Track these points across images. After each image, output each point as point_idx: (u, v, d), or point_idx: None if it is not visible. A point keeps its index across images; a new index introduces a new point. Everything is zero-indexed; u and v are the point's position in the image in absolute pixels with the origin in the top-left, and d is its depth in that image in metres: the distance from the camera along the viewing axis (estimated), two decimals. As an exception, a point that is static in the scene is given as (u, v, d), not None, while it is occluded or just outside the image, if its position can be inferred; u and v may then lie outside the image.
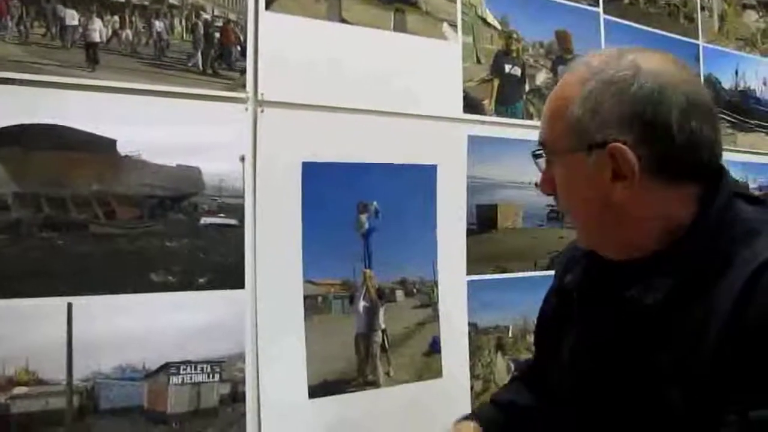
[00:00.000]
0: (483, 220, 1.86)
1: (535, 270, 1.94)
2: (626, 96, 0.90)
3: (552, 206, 1.95)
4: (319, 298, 1.58)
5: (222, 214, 1.46)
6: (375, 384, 1.65)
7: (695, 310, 0.88)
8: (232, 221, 1.47)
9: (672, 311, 0.90)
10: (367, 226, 1.64)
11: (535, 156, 1.04)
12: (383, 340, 1.66)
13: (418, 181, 1.73)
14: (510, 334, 1.90)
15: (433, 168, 1.76)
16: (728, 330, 0.84)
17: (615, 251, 1.00)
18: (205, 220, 1.44)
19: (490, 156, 1.85)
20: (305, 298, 1.55)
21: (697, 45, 2.52)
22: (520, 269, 1.92)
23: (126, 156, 1.37)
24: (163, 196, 1.41)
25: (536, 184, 1.06)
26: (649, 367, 0.93)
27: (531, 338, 1.55)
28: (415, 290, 1.72)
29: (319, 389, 1.56)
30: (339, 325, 1.62)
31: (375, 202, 1.65)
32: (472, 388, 1.81)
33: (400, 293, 1.68)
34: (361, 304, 1.64)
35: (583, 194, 0.97)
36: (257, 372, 1.49)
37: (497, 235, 1.89)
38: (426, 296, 1.74)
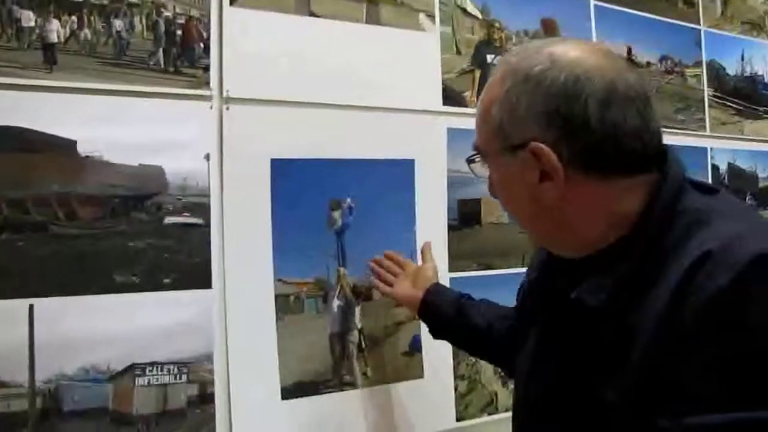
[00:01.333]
0: (465, 215, 1.81)
1: (521, 266, 1.88)
2: (540, 91, 0.86)
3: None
4: (291, 298, 1.55)
5: (187, 214, 1.44)
6: (352, 385, 1.61)
7: (636, 309, 0.83)
8: (198, 220, 1.45)
9: (616, 312, 0.86)
10: (340, 223, 1.61)
11: (469, 161, 1.02)
12: (360, 339, 1.63)
13: (395, 176, 1.70)
14: (496, 332, 1.84)
15: (410, 162, 1.72)
16: (663, 329, 0.80)
17: (567, 250, 0.96)
18: (169, 220, 1.43)
19: (470, 149, 1.80)
20: (276, 297, 1.53)
21: (699, 30, 2.44)
22: (505, 266, 1.87)
23: (87, 156, 1.35)
24: (125, 196, 1.39)
25: (489, 191, 1.03)
26: (590, 369, 0.89)
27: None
28: (393, 288, 1.67)
29: (292, 390, 1.53)
30: (312, 325, 1.59)
31: (348, 199, 1.62)
32: (456, 389, 1.77)
33: (377, 292, 1.63)
34: (336, 303, 1.61)
35: (518, 196, 0.95)
36: (227, 373, 1.46)
37: (481, 231, 1.84)
38: (406, 294, 1.68)
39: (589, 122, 0.84)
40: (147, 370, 1.40)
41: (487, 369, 1.81)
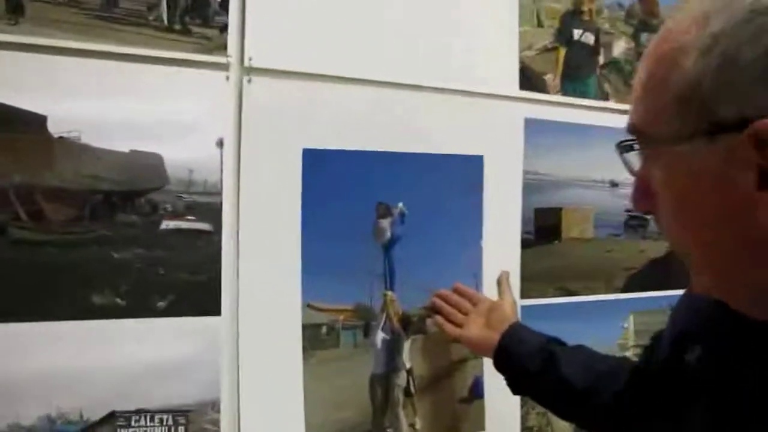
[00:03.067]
0: (543, 228, 1.46)
1: (607, 292, 1.53)
2: None
3: (631, 212, 1.55)
4: (323, 328, 1.22)
5: (191, 217, 1.11)
6: (397, 440, 1.28)
7: None
8: (205, 226, 1.12)
9: None
10: (389, 234, 1.27)
11: (623, 149, 0.67)
12: (408, 382, 1.29)
13: (459, 176, 1.35)
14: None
15: (478, 159, 1.37)
16: None
17: (759, 305, 0.61)
18: (167, 224, 1.10)
19: (552, 145, 1.45)
20: (304, 327, 1.19)
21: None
22: (588, 291, 1.51)
23: (60, 138, 1.03)
24: (110, 192, 1.07)
25: (631, 200, 0.68)
26: None
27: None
28: (451, 318, 1.32)
29: (320, 446, 1.20)
30: (349, 364, 1.25)
31: (401, 204, 1.28)
32: (523, 443, 1.42)
33: (431, 322, 1.30)
34: (380, 336, 1.27)
35: (704, 211, 0.59)
36: (238, 425, 1.14)
37: (561, 248, 1.49)
38: (466, 326, 1.34)
39: None
40: (132, 421, 1.08)
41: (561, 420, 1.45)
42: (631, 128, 0.64)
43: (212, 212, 1.13)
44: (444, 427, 1.33)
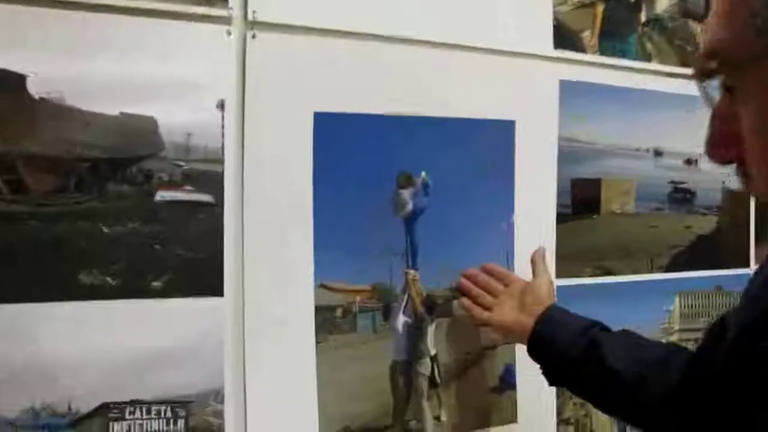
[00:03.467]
0: (580, 201, 1.33)
1: (650, 272, 1.40)
2: None
3: (677, 184, 1.41)
4: (338, 311, 1.10)
5: (189, 187, 1.00)
6: (420, 434, 1.16)
7: None
8: (206, 197, 1.01)
9: None
10: (410, 207, 1.15)
11: (701, 76, 0.55)
12: (433, 370, 1.17)
13: (488, 143, 1.23)
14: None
15: (509, 125, 1.24)
16: None
17: None
18: (163, 195, 0.99)
19: (590, 110, 1.32)
20: (317, 310, 1.08)
21: None
22: (628, 271, 1.38)
23: (41, 99, 0.92)
24: (98, 159, 0.96)
25: (708, 147, 0.56)
26: None
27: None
28: (480, 300, 1.20)
29: (335, 442, 1.09)
30: (367, 350, 1.13)
31: (423, 173, 1.16)
32: (559, 437, 1.30)
33: (457, 304, 1.18)
34: (401, 319, 1.15)
35: None
36: (244, 417, 1.03)
37: (599, 223, 1.36)
38: (497, 309, 1.21)
39: None
40: (126, 413, 0.97)
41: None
42: (711, 52, 0.52)
43: (213, 182, 1.02)
44: (472, 420, 1.21)
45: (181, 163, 1.00)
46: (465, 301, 1.16)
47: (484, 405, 1.22)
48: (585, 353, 0.95)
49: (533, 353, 1.03)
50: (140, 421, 0.98)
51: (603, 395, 0.97)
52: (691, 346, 0.96)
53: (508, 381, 1.24)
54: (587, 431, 1.33)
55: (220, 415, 1.02)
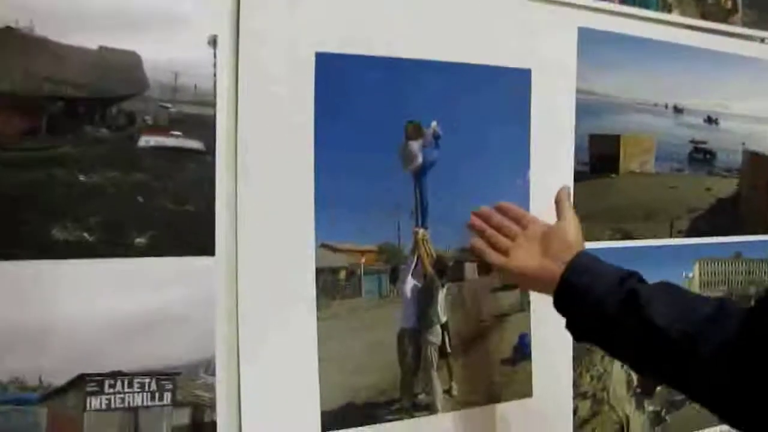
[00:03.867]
0: (599, 159, 1.23)
1: (671, 236, 1.31)
2: None
3: (697, 143, 1.32)
4: (342, 273, 1.00)
5: (177, 132, 0.89)
6: (430, 408, 1.06)
7: None
8: (195, 144, 0.90)
9: None
10: (420, 159, 1.04)
11: None
12: (444, 339, 1.07)
13: (503, 92, 1.12)
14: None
15: (524, 74, 1.14)
16: None
17: None
18: (147, 141, 0.87)
19: (609, 61, 1.22)
20: (318, 272, 0.97)
21: None
22: (649, 234, 1.29)
23: (7, 28, 0.79)
24: (74, 98, 0.84)
25: None
26: None
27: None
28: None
29: (339, 418, 0.98)
30: (373, 316, 1.02)
31: (434, 123, 1.05)
32: (575, 412, 1.20)
33: (470, 267, 1.09)
34: (410, 282, 1.05)
35: None
36: (238, 390, 0.92)
37: (618, 183, 1.26)
38: (511, 273, 1.11)
39: None
40: (106, 386, 0.86)
41: (617, 382, 1.25)
42: None
43: (204, 126, 0.90)
44: (484, 393, 1.11)
45: (168, 105, 0.88)
46: (478, 242, 1.03)
47: (497, 377, 1.12)
48: (622, 306, 0.84)
49: (560, 304, 0.91)
50: (121, 395, 0.87)
51: (641, 354, 0.86)
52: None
53: (522, 351, 1.14)
54: (604, 405, 1.24)
55: (211, 388, 0.91)
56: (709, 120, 1.36)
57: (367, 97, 1.00)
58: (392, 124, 1.03)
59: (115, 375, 0.86)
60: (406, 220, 1.04)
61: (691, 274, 1.34)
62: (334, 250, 0.98)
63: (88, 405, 0.84)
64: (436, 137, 1.05)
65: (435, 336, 1.06)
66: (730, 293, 1.37)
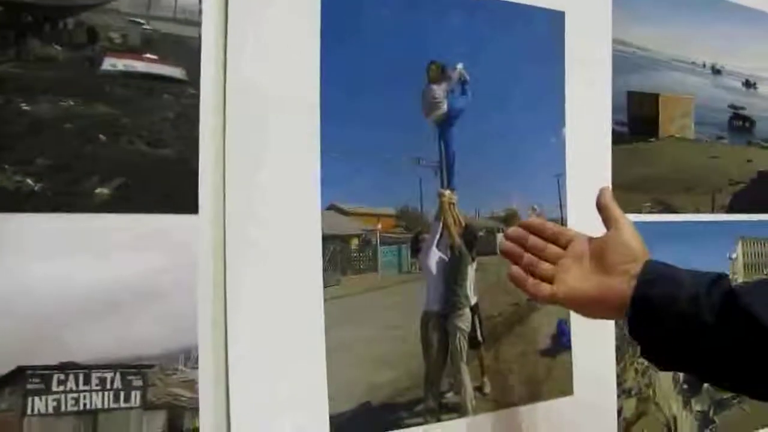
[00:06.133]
0: (638, 119, 1.08)
1: (713, 211, 1.15)
2: None
3: (737, 109, 1.18)
4: (354, 242, 0.82)
5: (152, 55, 0.71)
6: (459, 410, 0.88)
7: None
8: (175, 71, 0.72)
9: None
10: (445, 107, 0.87)
11: None
12: (474, 325, 0.89)
13: (536, 35, 0.97)
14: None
15: (558, 16, 0.98)
16: None
17: None
18: (113, 64, 0.69)
19: (646, 11, 1.08)
20: (326, 240, 0.79)
21: None
22: (690, 208, 1.13)
23: None
24: (18, 5, 0.65)
25: None
26: None
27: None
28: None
29: (350, 421, 0.79)
30: (392, 295, 0.84)
31: (460, 66, 0.88)
32: (619, 412, 1.03)
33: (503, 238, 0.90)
34: (434, 255, 0.87)
35: None
36: (226, 387, 0.73)
37: (658, 148, 1.11)
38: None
39: None
40: (54, 382, 0.66)
41: (663, 377, 1.08)
42: None
43: (185, 51, 0.72)
44: (520, 392, 0.93)
45: (141, 21, 0.70)
46: (515, 271, 0.81)
47: (535, 373, 0.94)
48: (722, 313, 0.67)
49: (637, 324, 0.72)
50: (74, 395, 0.67)
51: (753, 369, 0.67)
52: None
53: (561, 341, 0.97)
54: (650, 403, 1.07)
55: (192, 384, 0.72)
56: (747, 84, 1.22)
57: (384, 32, 0.84)
58: (413, 64, 0.86)
59: (66, 368, 0.67)
60: (429, 178, 0.86)
61: (735, 255, 1.18)
62: (345, 213, 0.80)
63: (29, 408, 0.65)
64: (462, 81, 0.88)
65: (464, 321, 0.88)
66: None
